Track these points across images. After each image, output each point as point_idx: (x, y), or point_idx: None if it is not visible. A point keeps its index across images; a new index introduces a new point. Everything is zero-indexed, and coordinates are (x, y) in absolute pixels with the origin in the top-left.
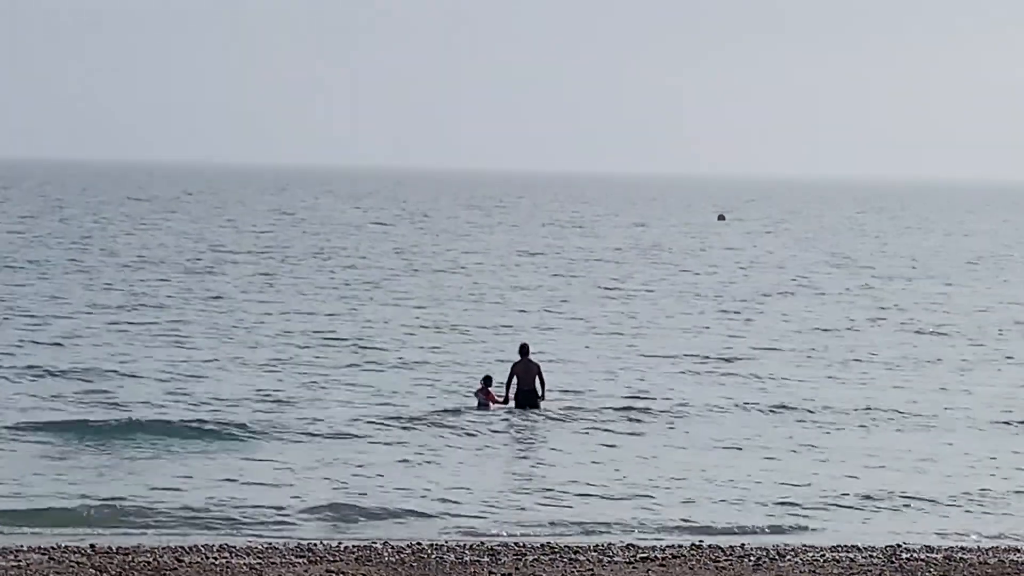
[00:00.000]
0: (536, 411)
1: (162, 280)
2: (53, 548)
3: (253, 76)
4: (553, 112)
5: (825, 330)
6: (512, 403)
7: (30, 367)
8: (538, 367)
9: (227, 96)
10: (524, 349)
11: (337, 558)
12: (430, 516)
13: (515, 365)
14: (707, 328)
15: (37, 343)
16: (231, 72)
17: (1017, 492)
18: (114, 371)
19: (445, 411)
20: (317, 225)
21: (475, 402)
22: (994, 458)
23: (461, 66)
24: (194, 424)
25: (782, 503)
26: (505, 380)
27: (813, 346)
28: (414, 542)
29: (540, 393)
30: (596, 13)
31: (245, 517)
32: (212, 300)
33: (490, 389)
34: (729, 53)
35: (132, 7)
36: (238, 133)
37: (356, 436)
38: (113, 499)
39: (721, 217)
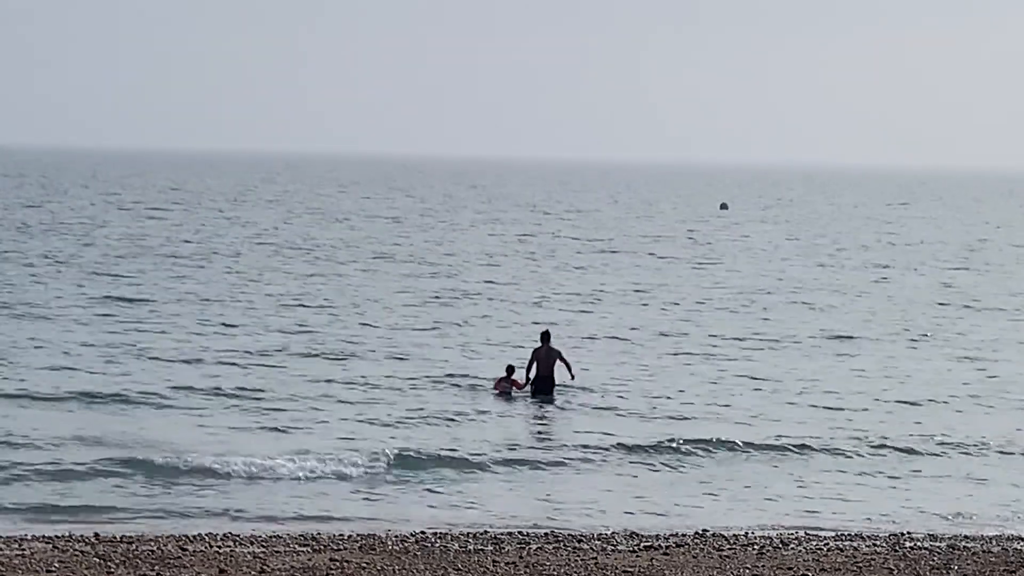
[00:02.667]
0: (548, 399)
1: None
2: (57, 537)
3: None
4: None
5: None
6: (531, 386)
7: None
8: (559, 353)
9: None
10: (545, 336)
11: (341, 547)
12: (435, 505)
13: (536, 351)
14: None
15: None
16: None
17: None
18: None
19: (459, 400)
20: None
21: (493, 391)
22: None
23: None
24: (193, 407)
25: (787, 493)
26: (526, 365)
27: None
28: (418, 531)
29: (571, 374)
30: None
31: (249, 505)
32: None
33: (513, 377)
34: (715, 40)
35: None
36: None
37: (357, 420)
38: (116, 487)
39: (724, 206)
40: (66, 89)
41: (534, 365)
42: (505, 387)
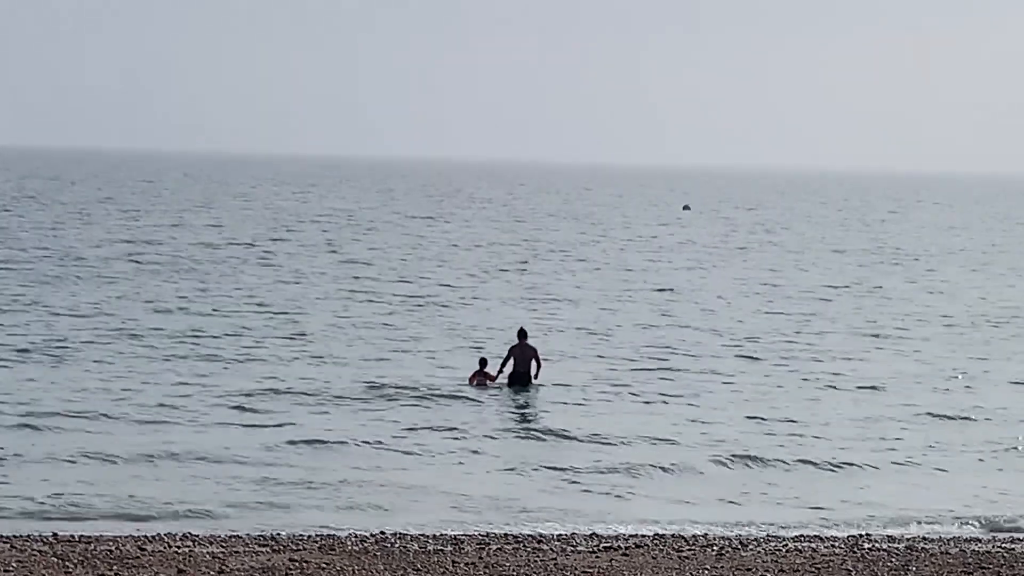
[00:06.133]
0: (520, 395)
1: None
2: (15, 537)
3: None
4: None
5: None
6: (506, 382)
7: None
8: (534, 350)
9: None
10: (522, 333)
11: (300, 547)
12: (394, 504)
13: (512, 348)
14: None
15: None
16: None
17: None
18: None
19: (420, 397)
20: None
21: (467, 385)
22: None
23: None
24: (155, 413)
25: (747, 493)
26: (501, 360)
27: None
28: (377, 531)
29: (536, 374)
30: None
31: (207, 505)
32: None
33: (486, 370)
34: (702, 42)
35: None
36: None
37: (325, 420)
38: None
39: (686, 207)
40: (165, 93)
41: (510, 361)
42: (480, 380)
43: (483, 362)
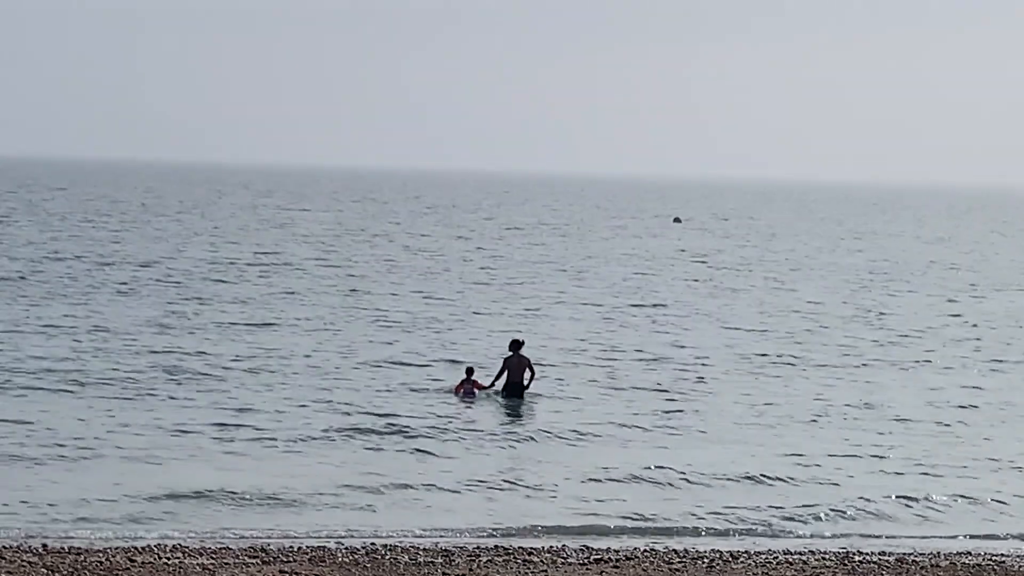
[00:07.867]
0: (514, 407)
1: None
2: (4, 548)
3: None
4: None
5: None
6: (502, 392)
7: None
8: (529, 361)
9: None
10: (516, 344)
11: (290, 558)
12: (385, 516)
13: (508, 359)
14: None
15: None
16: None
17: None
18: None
19: (412, 408)
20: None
21: (453, 395)
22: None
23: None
24: (142, 422)
25: (738, 506)
26: (496, 372)
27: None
28: (368, 543)
29: (527, 384)
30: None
31: (202, 516)
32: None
33: (473, 378)
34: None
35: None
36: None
37: (319, 429)
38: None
39: (677, 220)
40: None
41: (505, 372)
42: (468, 388)
43: (470, 371)
